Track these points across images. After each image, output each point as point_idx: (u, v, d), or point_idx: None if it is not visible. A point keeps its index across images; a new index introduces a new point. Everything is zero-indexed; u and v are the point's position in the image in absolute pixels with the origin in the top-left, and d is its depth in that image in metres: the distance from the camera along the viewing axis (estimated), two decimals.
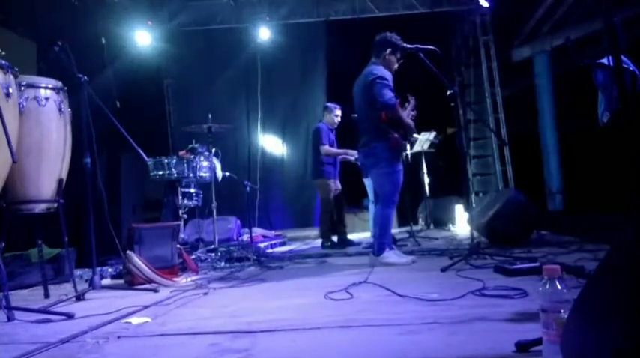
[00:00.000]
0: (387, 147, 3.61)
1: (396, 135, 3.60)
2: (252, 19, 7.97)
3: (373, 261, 3.66)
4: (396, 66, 3.78)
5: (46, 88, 2.79)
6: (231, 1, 7.68)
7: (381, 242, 3.66)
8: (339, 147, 5.52)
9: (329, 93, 7.76)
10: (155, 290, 3.01)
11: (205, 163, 4.73)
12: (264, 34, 8.00)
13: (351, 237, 5.79)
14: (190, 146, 4.76)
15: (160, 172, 4.65)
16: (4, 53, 2.46)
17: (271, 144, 8.55)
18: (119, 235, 3.40)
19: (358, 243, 5.48)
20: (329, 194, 5.44)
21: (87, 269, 3.73)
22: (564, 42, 6.82)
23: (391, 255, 3.66)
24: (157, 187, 5.81)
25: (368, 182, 5.25)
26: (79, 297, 2.84)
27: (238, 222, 6.16)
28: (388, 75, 3.63)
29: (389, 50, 3.72)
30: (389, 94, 3.52)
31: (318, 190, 5.71)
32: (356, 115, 3.98)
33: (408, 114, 3.92)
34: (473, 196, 7.69)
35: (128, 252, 3.39)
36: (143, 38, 7.50)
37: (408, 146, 6.31)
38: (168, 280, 3.35)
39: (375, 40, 3.79)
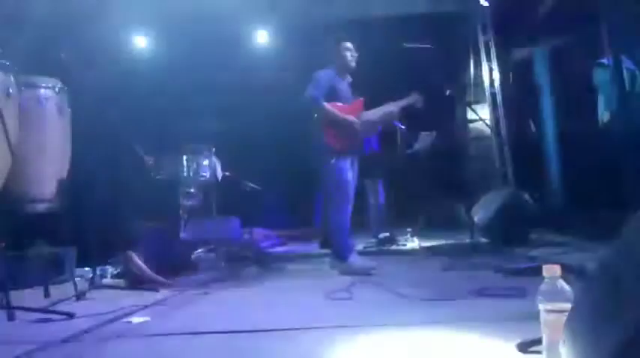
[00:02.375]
0: (326, 148, 3.53)
1: (328, 137, 3.52)
2: (252, 19, 7.97)
3: (338, 267, 3.42)
4: (351, 55, 3.74)
5: (46, 87, 2.79)
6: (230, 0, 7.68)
7: (342, 246, 3.46)
8: None
9: None
10: (155, 290, 3.00)
11: (205, 163, 4.73)
12: (263, 33, 8.00)
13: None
14: (190, 146, 4.76)
15: (160, 172, 4.65)
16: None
17: (271, 143, 8.54)
18: (119, 235, 3.39)
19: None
20: None
21: (87, 269, 3.73)
22: (564, 42, 6.83)
23: (357, 260, 3.44)
24: (157, 187, 5.82)
25: (366, 181, 5.25)
26: (80, 297, 2.84)
27: (238, 221, 6.16)
28: (323, 75, 3.65)
29: (335, 48, 3.74)
30: (309, 91, 3.53)
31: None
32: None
33: (385, 110, 3.78)
34: (473, 196, 7.68)
35: (128, 251, 3.39)
36: (143, 38, 7.51)
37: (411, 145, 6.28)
38: (169, 280, 3.35)
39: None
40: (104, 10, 6.22)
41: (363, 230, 7.11)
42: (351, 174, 3.60)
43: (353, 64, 3.77)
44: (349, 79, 3.83)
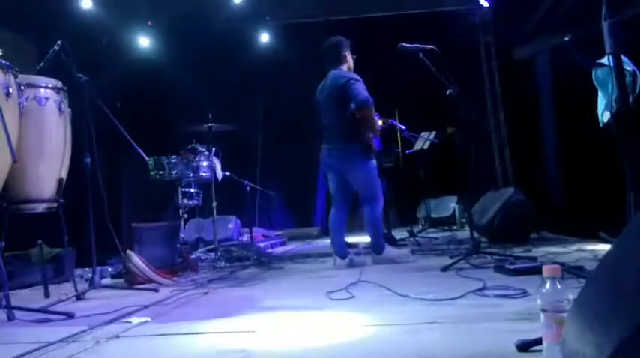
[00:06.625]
0: (363, 147, 3.69)
1: (370, 135, 3.73)
2: (253, 20, 7.97)
3: (377, 260, 3.76)
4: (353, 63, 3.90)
5: (46, 87, 2.78)
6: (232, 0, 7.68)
7: (380, 240, 3.82)
8: None
9: None
10: (155, 290, 3.01)
11: (205, 163, 4.73)
12: (264, 34, 8.01)
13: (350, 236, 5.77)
14: (190, 146, 4.76)
15: (160, 172, 4.65)
16: (1, 53, 2.46)
17: (272, 143, 8.55)
18: (119, 235, 3.40)
19: None
20: None
21: (87, 269, 3.73)
22: (564, 42, 6.82)
23: (392, 251, 3.85)
24: (157, 187, 5.83)
25: None
26: (79, 297, 2.84)
27: (238, 221, 6.16)
28: (358, 76, 3.73)
29: (347, 51, 3.84)
30: (366, 93, 3.60)
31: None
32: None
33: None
34: (472, 196, 7.67)
35: (128, 251, 3.39)
36: (143, 38, 7.51)
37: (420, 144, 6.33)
38: (169, 280, 3.35)
39: (326, 49, 3.85)
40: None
41: (363, 230, 7.11)
42: None
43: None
44: None
